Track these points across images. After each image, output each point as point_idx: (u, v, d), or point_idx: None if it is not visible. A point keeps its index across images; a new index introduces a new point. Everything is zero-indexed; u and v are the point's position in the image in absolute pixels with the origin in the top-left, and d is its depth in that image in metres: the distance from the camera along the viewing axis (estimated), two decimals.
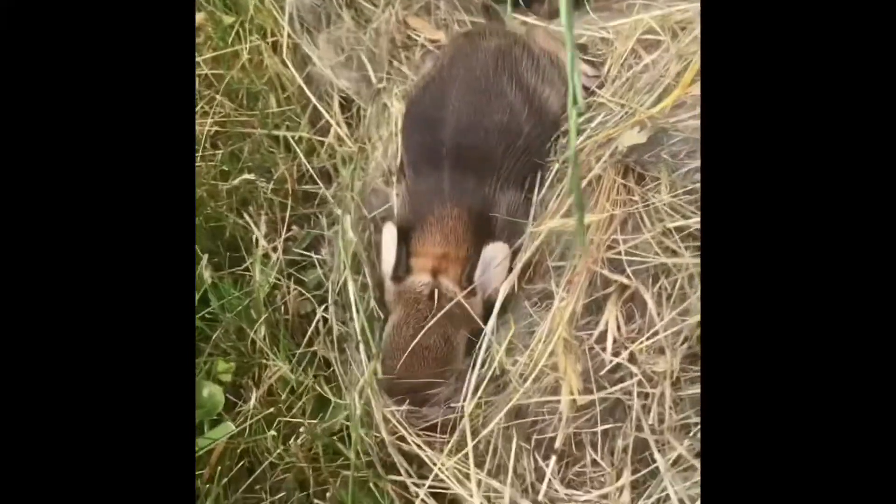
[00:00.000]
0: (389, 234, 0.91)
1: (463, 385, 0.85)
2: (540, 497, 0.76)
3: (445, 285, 0.88)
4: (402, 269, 0.90)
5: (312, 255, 1.02)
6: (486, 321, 0.88)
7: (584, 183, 0.89)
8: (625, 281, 0.79)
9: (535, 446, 0.80)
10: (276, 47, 1.14)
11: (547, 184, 0.99)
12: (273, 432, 0.83)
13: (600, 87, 1.05)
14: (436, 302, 0.86)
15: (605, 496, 0.75)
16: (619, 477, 0.75)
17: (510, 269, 0.90)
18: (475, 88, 0.96)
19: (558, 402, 0.79)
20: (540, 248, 0.90)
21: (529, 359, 0.84)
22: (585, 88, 1.05)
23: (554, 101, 1.02)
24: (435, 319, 0.85)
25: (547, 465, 0.77)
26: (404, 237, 0.91)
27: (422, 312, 0.86)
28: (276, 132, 1.10)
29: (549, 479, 0.76)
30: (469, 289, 0.88)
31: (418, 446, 0.83)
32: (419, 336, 0.84)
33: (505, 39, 1.04)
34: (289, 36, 1.14)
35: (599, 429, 0.76)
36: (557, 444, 0.77)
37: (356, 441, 0.78)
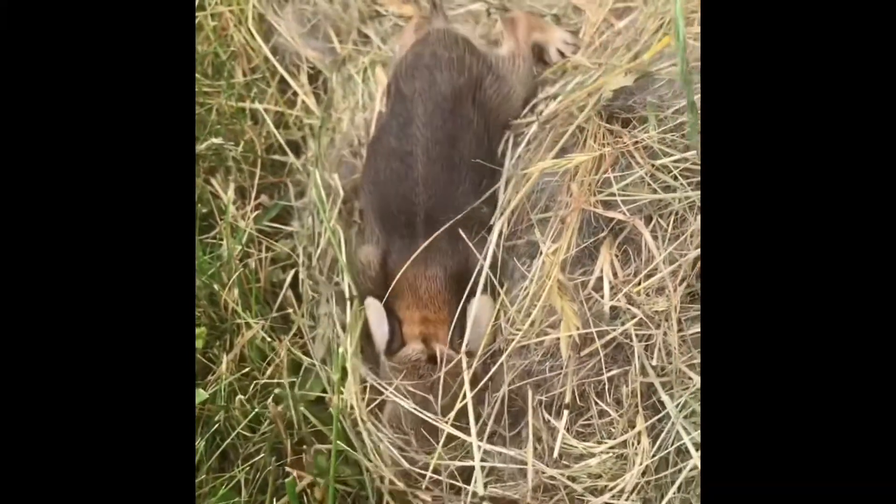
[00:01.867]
0: (375, 310, 0.83)
1: None
2: (555, 454, 0.72)
3: (441, 349, 0.81)
4: (397, 343, 0.83)
5: (284, 226, 0.98)
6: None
7: (568, 134, 0.87)
8: (620, 217, 0.76)
9: (540, 406, 0.77)
10: (241, 19, 1.10)
11: (522, 145, 0.96)
12: (242, 397, 0.78)
13: (574, 53, 1.04)
14: (441, 367, 0.80)
15: (623, 444, 0.71)
16: (630, 425, 0.72)
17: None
18: (442, 131, 0.87)
19: (559, 362, 0.76)
20: (521, 202, 0.87)
21: (520, 307, 0.80)
22: (562, 55, 1.04)
23: (518, 95, 0.97)
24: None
25: (559, 421, 0.73)
26: (388, 309, 0.84)
27: (424, 378, 0.80)
28: (242, 104, 1.05)
29: (563, 435, 0.72)
30: (465, 348, 0.81)
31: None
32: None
33: (463, 54, 0.94)
34: (253, 6, 1.10)
35: (605, 375, 0.73)
36: (567, 398, 0.74)
37: (338, 407, 0.73)
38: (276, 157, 1.03)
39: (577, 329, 0.70)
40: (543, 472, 0.72)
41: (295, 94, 1.08)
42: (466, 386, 0.76)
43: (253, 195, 0.95)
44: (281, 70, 1.08)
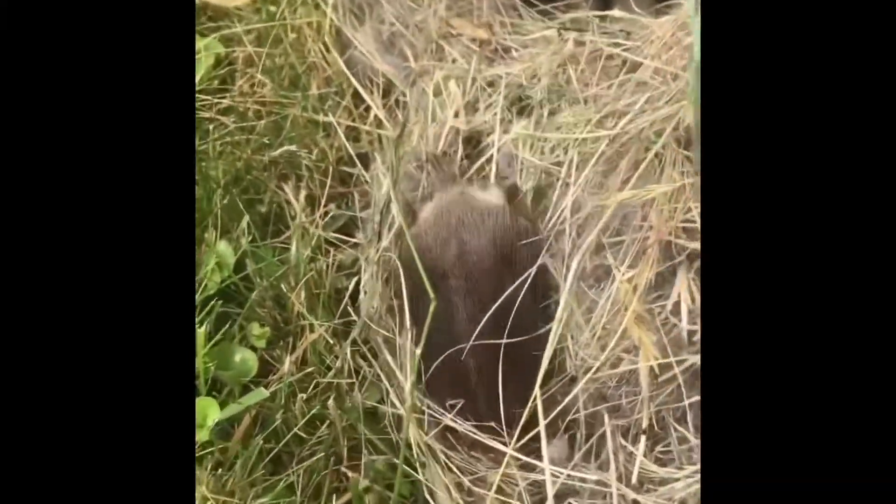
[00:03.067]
0: None
1: None
2: (633, 479, 0.70)
3: None
4: None
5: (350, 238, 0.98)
6: None
7: (646, 161, 0.86)
8: (698, 246, 0.75)
9: (617, 430, 0.75)
10: (319, 30, 1.12)
11: (589, 166, 0.94)
12: (303, 395, 0.77)
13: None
14: None
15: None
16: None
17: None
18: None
19: (634, 388, 0.74)
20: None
21: (592, 335, 0.79)
22: None
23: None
24: None
25: (636, 447, 0.71)
26: None
27: None
28: (315, 116, 1.07)
29: (641, 461, 0.70)
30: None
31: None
32: None
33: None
34: (331, 21, 1.12)
35: (686, 402, 0.70)
36: (644, 424, 0.72)
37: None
38: (346, 168, 1.03)
39: (657, 359, 0.69)
40: (626, 496, 0.70)
41: (367, 108, 1.09)
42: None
43: (322, 202, 0.95)
44: (355, 83, 1.10)
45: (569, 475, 0.72)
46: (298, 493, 0.75)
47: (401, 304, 0.81)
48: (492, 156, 1.03)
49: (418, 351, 0.74)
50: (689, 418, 0.73)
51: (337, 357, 0.83)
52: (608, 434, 0.74)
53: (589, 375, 0.73)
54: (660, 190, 0.75)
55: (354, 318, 0.85)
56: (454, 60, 1.09)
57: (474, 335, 0.74)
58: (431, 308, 0.72)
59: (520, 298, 0.77)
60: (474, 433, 0.76)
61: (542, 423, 0.70)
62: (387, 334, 0.82)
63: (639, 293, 0.74)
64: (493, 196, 0.88)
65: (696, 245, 0.74)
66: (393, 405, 0.78)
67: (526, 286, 0.78)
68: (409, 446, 0.75)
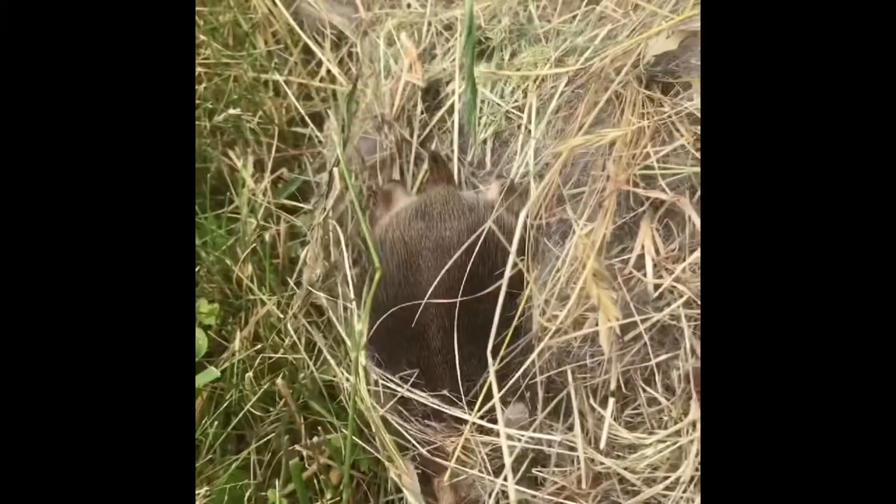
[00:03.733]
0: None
1: None
2: (601, 444, 0.67)
3: None
4: None
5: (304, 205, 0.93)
6: None
7: (603, 100, 0.80)
8: (662, 196, 0.70)
9: (583, 391, 0.71)
10: None
11: (550, 108, 0.89)
12: (249, 374, 0.74)
13: None
14: None
15: (677, 433, 0.65)
16: (685, 412, 0.66)
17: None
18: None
19: (600, 349, 0.70)
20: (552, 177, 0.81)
21: (553, 292, 0.74)
22: None
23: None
24: None
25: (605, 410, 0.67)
26: None
27: None
28: (263, 75, 1.01)
29: (610, 424, 0.66)
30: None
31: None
32: None
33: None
34: None
35: (653, 362, 0.67)
36: (612, 385, 0.68)
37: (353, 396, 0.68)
38: (298, 129, 0.98)
39: (617, 320, 0.64)
40: (594, 461, 0.66)
41: (318, 63, 1.03)
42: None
43: (269, 168, 0.90)
44: (304, 37, 1.03)
45: (531, 439, 0.68)
46: (258, 472, 0.72)
47: (345, 275, 0.77)
48: (452, 104, 0.98)
49: (358, 326, 0.70)
50: (657, 379, 0.70)
51: (288, 332, 0.79)
52: (572, 395, 0.70)
53: (548, 338, 0.69)
54: (613, 134, 0.70)
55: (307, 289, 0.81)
56: (409, 5, 1.03)
57: (428, 294, 0.71)
58: (377, 277, 0.68)
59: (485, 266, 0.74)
60: (434, 404, 0.72)
61: (495, 385, 0.66)
62: (330, 301, 0.78)
63: (596, 248, 0.70)
64: (482, 195, 0.84)
65: (658, 194, 0.69)
66: (348, 379, 0.75)
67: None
68: (364, 422, 0.72)
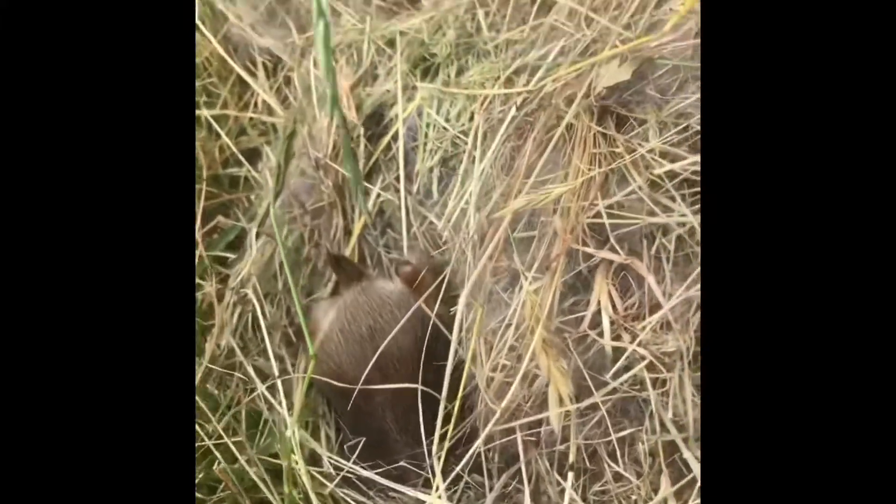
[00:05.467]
0: None
1: None
2: None
3: None
4: None
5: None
6: None
7: (554, 139, 0.73)
8: (611, 256, 0.63)
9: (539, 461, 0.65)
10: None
11: (498, 137, 0.81)
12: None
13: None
14: None
15: None
16: (654, 490, 0.60)
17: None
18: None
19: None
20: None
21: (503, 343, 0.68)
22: None
23: None
24: None
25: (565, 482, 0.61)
26: None
27: None
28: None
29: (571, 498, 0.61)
30: None
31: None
32: None
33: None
34: None
35: (614, 437, 0.61)
36: (571, 458, 0.62)
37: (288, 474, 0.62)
38: (233, 170, 0.91)
39: (571, 399, 0.58)
40: None
41: (252, 93, 0.95)
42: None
43: (199, 217, 0.82)
44: (236, 67, 0.95)
45: None
46: None
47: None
48: (397, 132, 0.91)
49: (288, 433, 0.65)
50: (625, 450, 0.64)
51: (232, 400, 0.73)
52: (523, 471, 0.65)
53: (492, 423, 0.63)
54: (559, 190, 0.63)
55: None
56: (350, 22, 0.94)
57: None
58: (311, 366, 0.62)
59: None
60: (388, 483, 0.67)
61: (439, 476, 0.60)
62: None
63: (546, 311, 0.63)
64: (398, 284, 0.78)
65: (608, 255, 0.62)
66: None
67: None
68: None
